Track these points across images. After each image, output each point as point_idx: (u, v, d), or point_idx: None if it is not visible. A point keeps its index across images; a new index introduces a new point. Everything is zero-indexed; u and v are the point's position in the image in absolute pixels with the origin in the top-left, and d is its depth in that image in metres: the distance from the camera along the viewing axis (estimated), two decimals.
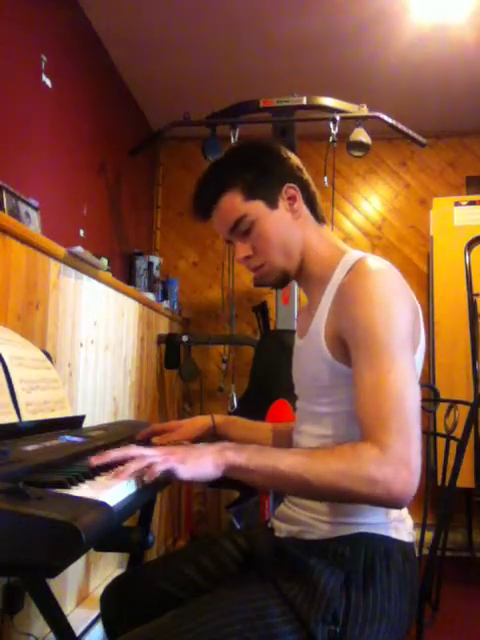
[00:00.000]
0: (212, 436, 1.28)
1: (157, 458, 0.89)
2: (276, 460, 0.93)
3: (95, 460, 0.90)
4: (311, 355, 1.11)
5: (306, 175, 1.20)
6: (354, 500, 0.94)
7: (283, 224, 1.14)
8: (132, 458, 0.90)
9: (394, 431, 0.90)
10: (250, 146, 1.21)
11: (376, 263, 1.05)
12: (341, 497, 0.94)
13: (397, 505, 0.92)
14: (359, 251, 1.13)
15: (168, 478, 0.91)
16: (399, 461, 0.88)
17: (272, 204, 1.14)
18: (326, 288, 1.10)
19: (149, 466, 0.88)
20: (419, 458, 0.90)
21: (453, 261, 3.13)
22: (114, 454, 0.91)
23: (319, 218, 1.20)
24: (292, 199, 1.15)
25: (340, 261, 1.11)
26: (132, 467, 0.87)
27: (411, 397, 0.94)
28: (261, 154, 1.18)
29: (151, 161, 3.86)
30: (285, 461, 0.92)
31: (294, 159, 1.19)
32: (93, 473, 0.89)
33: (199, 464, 0.91)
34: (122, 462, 0.91)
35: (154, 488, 0.96)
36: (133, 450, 0.93)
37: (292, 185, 1.15)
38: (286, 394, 2.38)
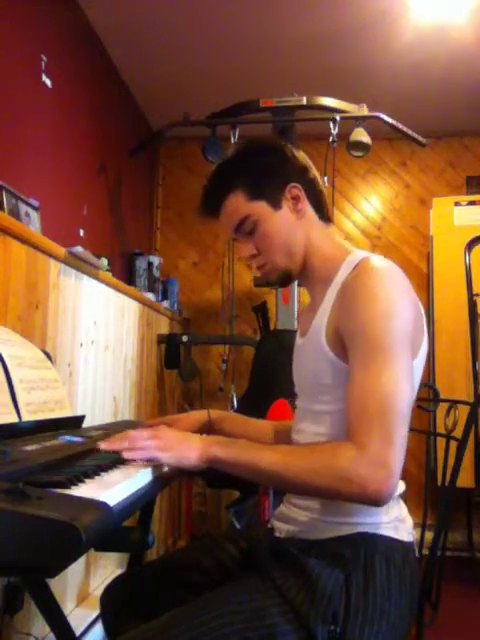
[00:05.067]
0: (208, 431, 1.28)
1: (147, 443, 1.00)
2: (258, 458, 0.98)
3: (104, 445, 1.01)
4: (312, 353, 1.11)
5: (312, 174, 1.19)
6: (333, 497, 0.98)
7: (286, 224, 1.14)
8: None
9: (375, 432, 0.92)
10: (255, 146, 1.20)
11: (381, 262, 1.05)
12: (320, 494, 1.00)
13: (375, 504, 0.93)
14: (364, 251, 1.13)
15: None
16: (376, 462, 0.90)
17: (275, 204, 1.14)
18: (330, 287, 1.10)
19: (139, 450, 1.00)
20: (398, 460, 0.91)
21: (453, 261, 3.13)
22: (116, 437, 1.04)
23: (325, 217, 1.19)
24: (296, 199, 1.15)
25: (344, 260, 1.11)
26: (134, 454, 0.99)
27: (400, 399, 0.94)
28: (265, 154, 1.17)
29: (151, 161, 3.86)
30: (266, 459, 0.98)
31: (300, 158, 1.18)
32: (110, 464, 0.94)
33: (183, 453, 1.01)
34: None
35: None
36: (131, 435, 1.03)
37: (296, 185, 1.14)
38: (286, 394, 2.38)
